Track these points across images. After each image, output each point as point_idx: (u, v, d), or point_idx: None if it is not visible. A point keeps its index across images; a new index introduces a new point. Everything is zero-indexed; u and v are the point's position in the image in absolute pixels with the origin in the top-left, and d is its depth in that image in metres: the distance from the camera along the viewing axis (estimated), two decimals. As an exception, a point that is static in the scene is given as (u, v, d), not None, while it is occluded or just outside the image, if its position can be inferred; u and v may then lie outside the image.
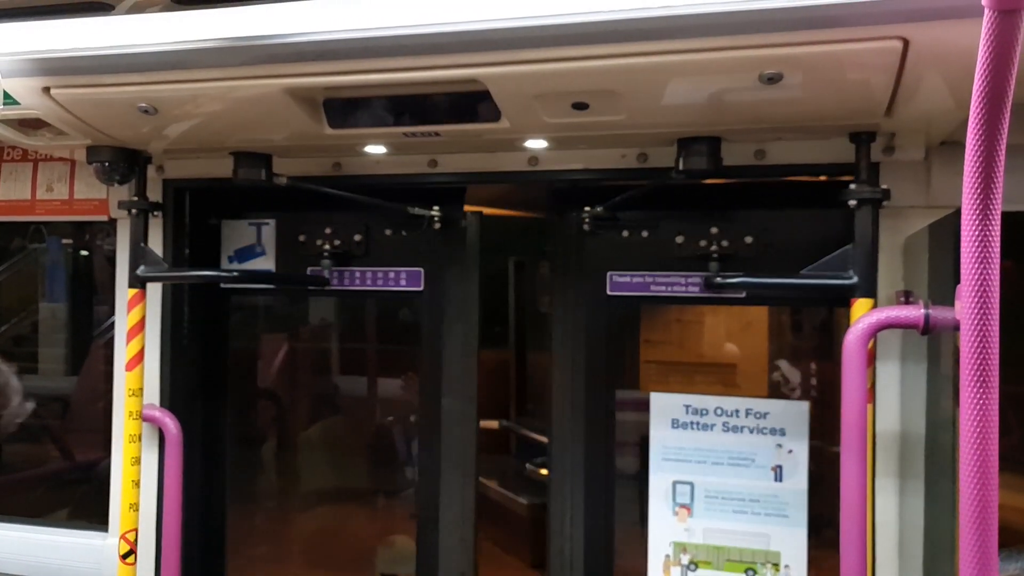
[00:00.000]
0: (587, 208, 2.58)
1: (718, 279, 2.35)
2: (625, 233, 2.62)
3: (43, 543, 2.99)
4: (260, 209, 2.95)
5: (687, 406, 2.58)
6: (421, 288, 2.84)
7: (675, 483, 2.56)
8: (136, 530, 2.59)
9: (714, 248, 2.47)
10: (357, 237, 2.82)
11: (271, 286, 3.08)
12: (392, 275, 2.85)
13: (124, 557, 2.56)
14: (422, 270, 2.83)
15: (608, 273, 2.64)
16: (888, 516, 2.22)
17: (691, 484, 2.54)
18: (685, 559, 2.53)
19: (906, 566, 2.19)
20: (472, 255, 2.81)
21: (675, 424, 2.58)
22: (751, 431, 2.51)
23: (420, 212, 2.71)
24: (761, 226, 2.46)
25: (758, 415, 2.51)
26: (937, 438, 1.97)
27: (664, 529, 2.56)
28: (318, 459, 3.68)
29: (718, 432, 2.54)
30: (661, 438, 2.58)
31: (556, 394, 2.69)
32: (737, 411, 2.54)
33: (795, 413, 2.50)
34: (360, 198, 2.60)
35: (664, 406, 2.60)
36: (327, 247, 2.82)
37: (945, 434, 1.86)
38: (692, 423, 2.57)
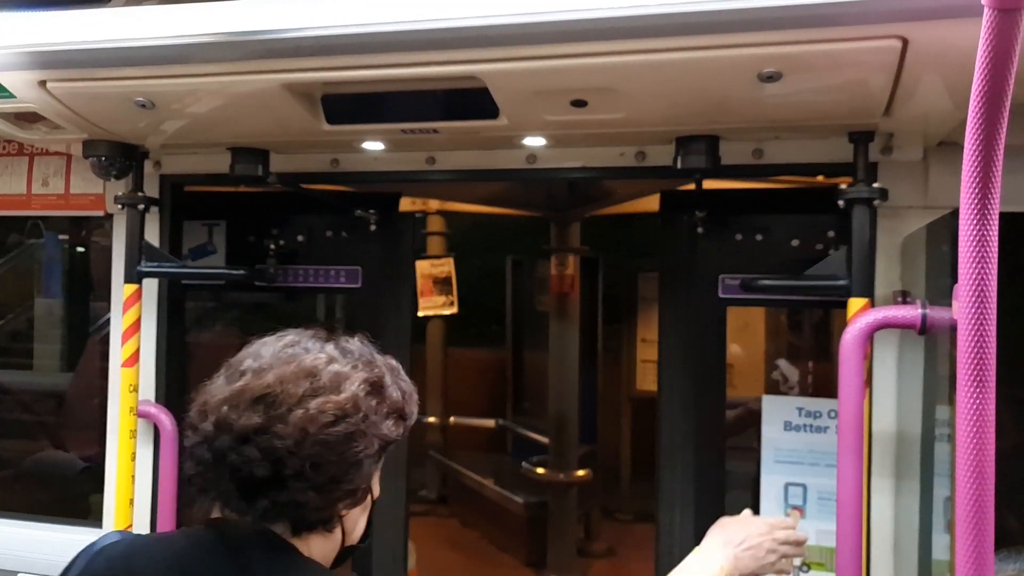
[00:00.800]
0: (700, 212, 2.55)
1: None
2: (739, 236, 2.57)
3: (36, 538, 2.98)
4: (211, 211, 3.05)
5: (800, 408, 2.54)
6: (359, 285, 2.95)
7: (787, 485, 2.52)
8: (130, 526, 2.58)
9: (831, 252, 2.39)
10: (300, 238, 2.97)
11: (219, 282, 3.20)
12: (333, 273, 2.98)
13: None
14: (360, 269, 2.94)
15: (720, 276, 2.59)
16: (883, 515, 2.22)
17: (804, 486, 2.51)
18: (797, 560, 2.47)
19: (901, 565, 2.19)
20: (406, 255, 2.98)
21: (788, 426, 2.53)
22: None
23: (360, 215, 2.85)
24: None
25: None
26: (933, 438, 1.97)
27: None
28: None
29: (831, 434, 2.44)
30: (773, 440, 2.54)
31: (665, 398, 2.63)
32: (819, 412, 2.50)
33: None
34: (319, 193, 2.68)
35: (776, 408, 2.56)
36: (272, 246, 2.94)
37: (941, 434, 1.86)
38: (805, 425, 2.52)
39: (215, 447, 1.22)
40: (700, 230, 2.58)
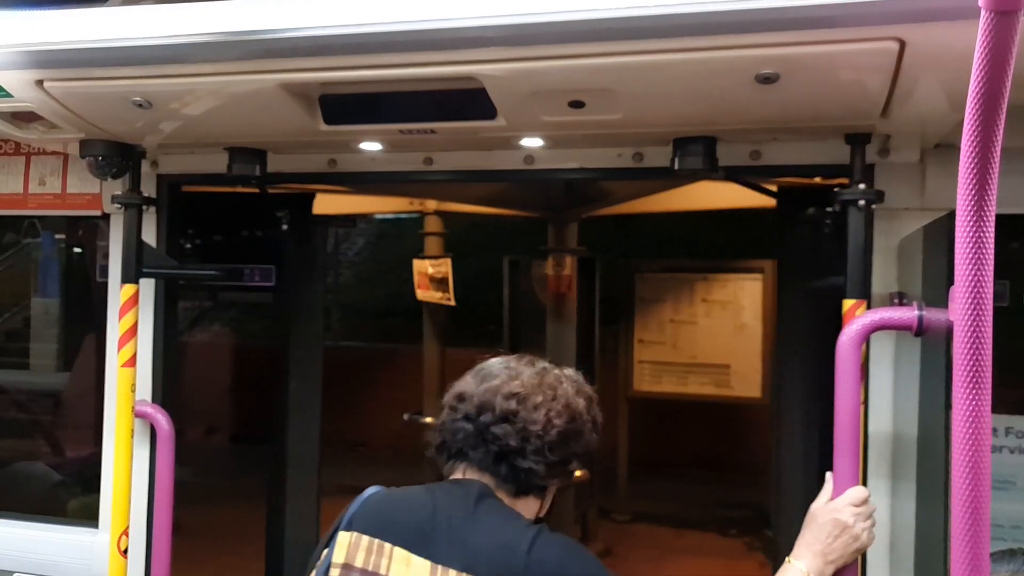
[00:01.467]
0: (828, 208, 2.42)
1: None
2: None
3: (34, 539, 2.98)
4: None
5: None
6: (273, 283, 3.07)
7: None
8: (127, 527, 2.58)
9: None
10: (217, 237, 3.09)
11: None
12: (247, 272, 3.10)
13: (114, 552, 2.55)
14: (273, 268, 3.05)
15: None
16: (880, 517, 2.22)
17: None
18: None
19: (897, 566, 2.19)
20: (319, 256, 3.10)
21: None
22: (1011, 451, 2.30)
23: (278, 216, 2.95)
24: None
25: (1020, 434, 2.30)
26: (929, 439, 1.98)
27: None
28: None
29: None
30: None
31: (783, 403, 2.56)
32: (995, 429, 2.31)
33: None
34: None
35: None
36: (188, 245, 3.01)
37: (937, 436, 1.86)
38: None
39: (479, 422, 1.61)
40: (827, 229, 2.43)
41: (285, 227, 3.00)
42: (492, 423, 1.61)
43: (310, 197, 3.06)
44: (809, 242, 2.55)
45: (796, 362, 2.58)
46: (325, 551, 1.58)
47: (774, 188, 2.56)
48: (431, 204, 6.65)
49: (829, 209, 2.38)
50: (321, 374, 3.14)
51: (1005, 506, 2.28)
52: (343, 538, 1.56)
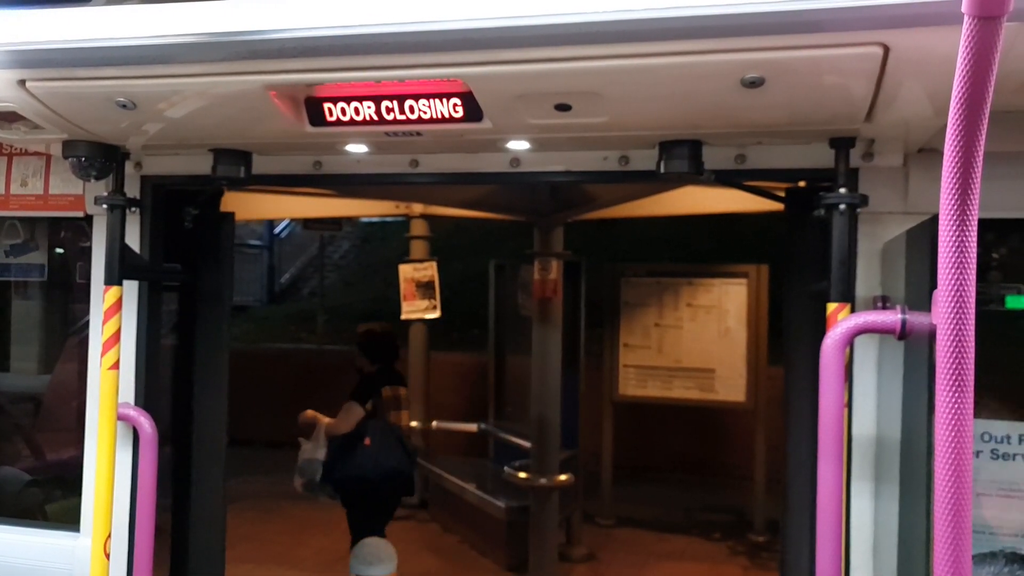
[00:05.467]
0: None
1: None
2: None
3: (14, 543, 2.95)
4: None
5: None
6: (178, 284, 3.03)
7: None
8: (110, 530, 2.55)
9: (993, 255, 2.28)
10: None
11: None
12: None
13: (96, 556, 2.53)
14: (179, 265, 2.98)
15: None
16: (863, 519, 2.23)
17: None
18: None
19: (880, 568, 2.20)
20: (226, 253, 3.04)
21: None
22: None
23: (190, 212, 2.90)
24: None
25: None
26: (912, 442, 1.99)
27: None
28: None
29: (985, 459, 2.20)
30: None
31: (792, 407, 2.50)
32: (1008, 437, 2.20)
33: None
34: None
35: None
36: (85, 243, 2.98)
37: (920, 438, 1.87)
38: None
39: None
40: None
41: (189, 223, 2.93)
42: None
43: (218, 193, 3.01)
44: (812, 244, 2.47)
45: (807, 368, 2.50)
46: None
47: (780, 192, 2.55)
48: (417, 208, 6.66)
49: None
50: (227, 375, 3.09)
51: (1017, 515, 2.22)
52: None
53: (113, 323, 2.55)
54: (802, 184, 2.45)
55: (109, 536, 2.54)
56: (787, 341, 2.56)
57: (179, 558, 2.98)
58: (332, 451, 4.69)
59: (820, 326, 2.41)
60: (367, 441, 4.62)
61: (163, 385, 2.99)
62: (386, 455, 4.66)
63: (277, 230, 14.44)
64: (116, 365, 2.55)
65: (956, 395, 1.12)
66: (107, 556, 2.54)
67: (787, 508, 2.52)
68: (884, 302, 2.15)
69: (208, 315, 2.99)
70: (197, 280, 2.98)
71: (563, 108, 1.93)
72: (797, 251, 2.53)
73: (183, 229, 2.89)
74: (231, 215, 3.04)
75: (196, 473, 2.96)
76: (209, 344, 3.02)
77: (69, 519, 2.95)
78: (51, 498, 3.41)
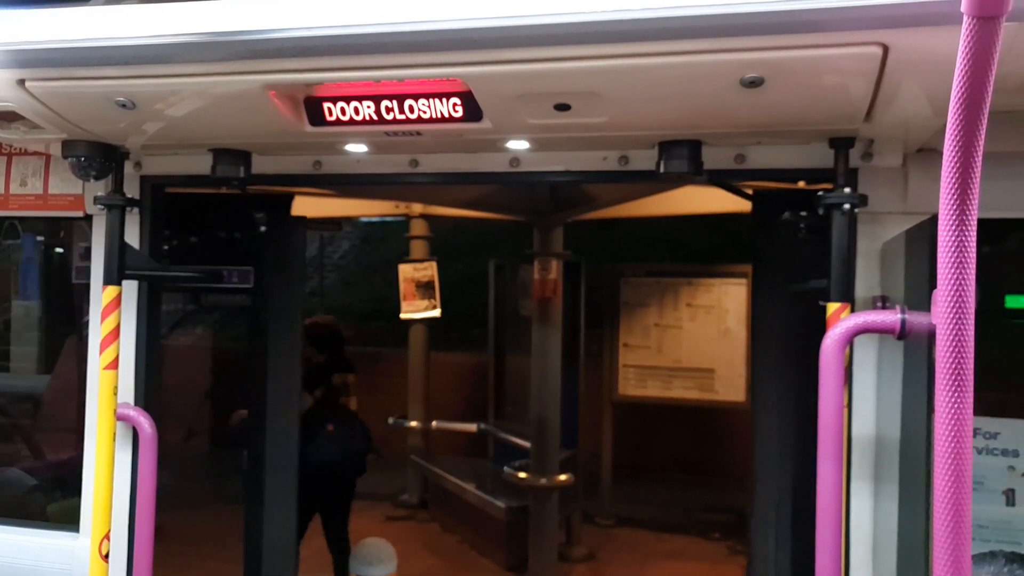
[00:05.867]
0: (802, 212, 2.49)
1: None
2: None
3: (14, 543, 2.95)
4: None
5: None
6: (251, 285, 3.03)
7: None
8: (109, 530, 2.55)
9: None
10: (193, 239, 3.05)
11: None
12: (225, 274, 3.07)
13: (94, 557, 2.53)
14: (251, 270, 3.01)
15: (812, 281, 2.53)
16: (863, 519, 2.23)
17: None
18: None
19: (880, 568, 2.20)
20: (296, 256, 3.05)
21: None
22: (979, 452, 2.29)
23: (256, 218, 2.95)
24: None
25: (987, 435, 2.29)
26: (912, 442, 1.99)
27: None
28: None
29: None
30: None
31: (759, 406, 2.58)
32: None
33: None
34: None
35: None
36: (166, 247, 2.96)
37: (920, 438, 1.87)
38: None
39: None
40: (801, 234, 2.50)
41: (264, 228, 2.99)
42: None
43: (289, 198, 3.03)
44: (783, 250, 2.57)
45: (774, 367, 2.60)
46: None
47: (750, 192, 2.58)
48: (417, 208, 6.65)
49: (804, 213, 2.45)
50: (299, 378, 3.12)
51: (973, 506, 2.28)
52: None
53: (110, 322, 2.54)
54: (802, 184, 2.45)
55: (105, 537, 2.54)
56: (755, 341, 2.60)
57: (253, 559, 3.00)
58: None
59: (791, 326, 2.52)
60: (330, 427, 4.69)
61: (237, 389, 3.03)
62: (348, 439, 4.80)
63: (276, 230, 14.41)
64: (114, 365, 2.55)
65: (955, 395, 1.12)
66: (103, 557, 2.53)
67: (756, 504, 2.57)
68: (883, 302, 2.15)
69: (280, 319, 2.99)
70: (268, 285, 3.00)
71: (563, 108, 1.93)
72: (766, 252, 2.58)
73: (254, 233, 2.95)
74: (302, 219, 3.05)
75: (270, 476, 2.98)
76: (281, 348, 3.03)
77: (69, 519, 2.95)
78: (55, 501, 3.42)
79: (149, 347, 2.80)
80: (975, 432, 2.23)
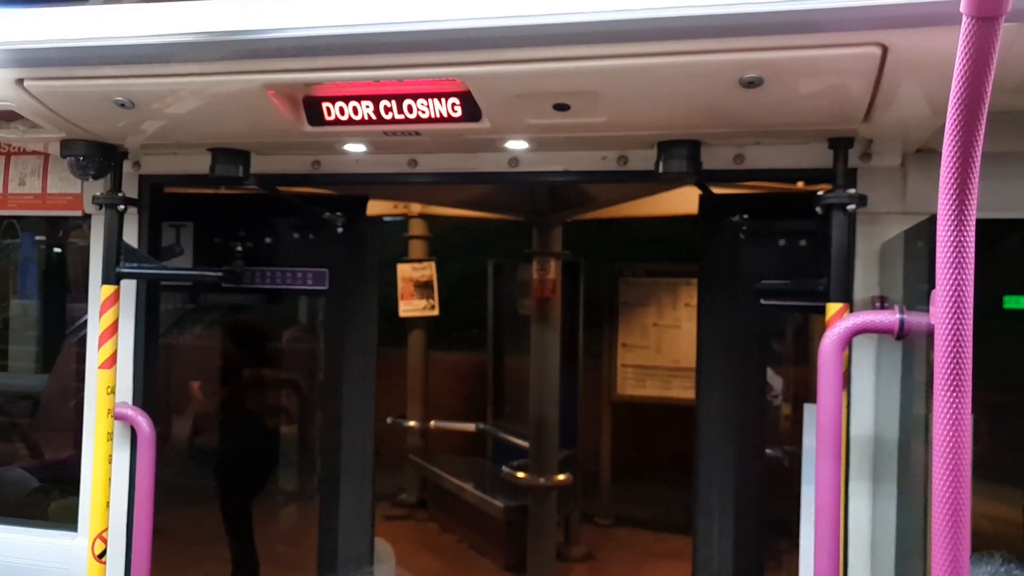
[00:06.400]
0: (746, 215, 2.53)
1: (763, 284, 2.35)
2: (782, 242, 2.56)
3: (11, 542, 2.95)
4: (179, 212, 3.04)
5: None
6: (326, 287, 2.97)
7: None
8: (106, 529, 2.55)
9: None
10: (268, 240, 2.99)
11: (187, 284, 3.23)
12: (300, 275, 3.00)
13: (98, 557, 2.53)
14: (327, 271, 2.95)
15: (763, 282, 2.53)
16: (861, 518, 2.24)
17: None
18: None
19: (878, 568, 2.20)
20: (371, 258, 2.98)
21: None
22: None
23: (328, 218, 2.86)
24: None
25: None
26: (911, 442, 1.99)
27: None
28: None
29: None
30: (813, 448, 2.49)
31: (702, 404, 2.63)
32: None
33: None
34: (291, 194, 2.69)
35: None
36: (240, 248, 2.95)
37: (918, 438, 1.87)
38: None
39: None
40: (743, 236, 2.54)
41: (340, 229, 2.91)
42: None
43: (364, 199, 2.98)
44: (728, 253, 2.61)
45: (718, 367, 2.67)
46: None
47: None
48: (415, 207, 6.65)
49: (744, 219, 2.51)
50: (374, 379, 3.03)
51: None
52: None
53: (107, 321, 2.54)
54: (801, 184, 2.45)
55: (99, 537, 2.54)
56: (700, 340, 2.65)
57: (328, 557, 2.97)
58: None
59: (735, 328, 2.57)
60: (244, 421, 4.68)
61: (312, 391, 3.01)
62: (246, 447, 4.68)
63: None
64: (111, 364, 2.55)
65: (954, 394, 1.12)
66: (96, 557, 2.53)
67: (698, 509, 2.64)
68: (882, 302, 2.16)
69: (356, 320, 2.95)
70: (343, 287, 2.96)
71: (562, 108, 1.93)
72: (711, 254, 2.63)
73: (330, 234, 2.90)
74: (378, 219, 3.08)
75: (345, 474, 2.94)
76: (357, 349, 2.98)
77: (69, 518, 2.95)
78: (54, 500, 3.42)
79: (148, 346, 2.80)
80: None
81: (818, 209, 2.10)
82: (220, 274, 2.86)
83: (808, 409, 2.46)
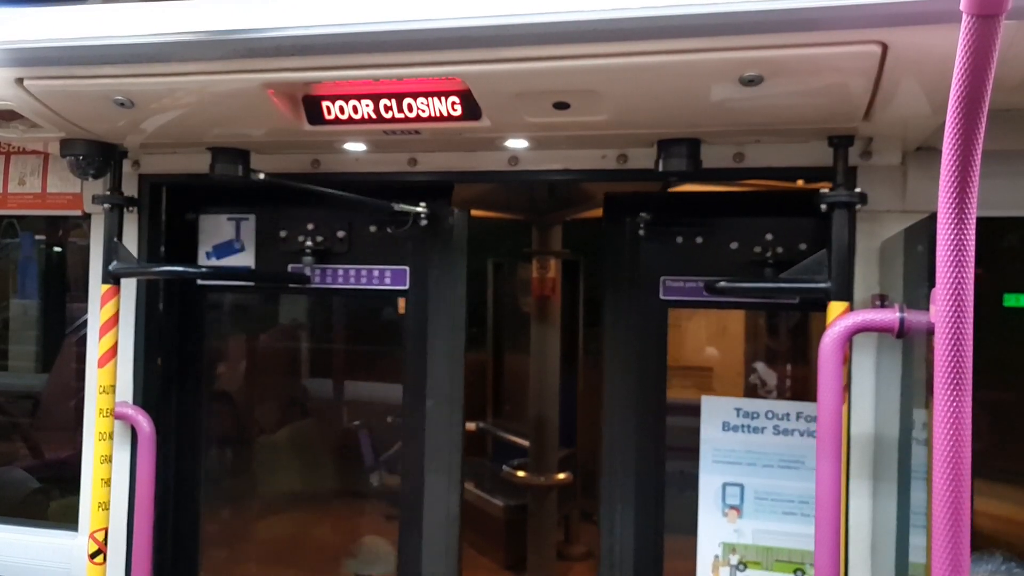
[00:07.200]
0: (643, 213, 2.56)
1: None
2: (679, 239, 2.60)
3: (11, 542, 2.95)
4: (238, 204, 2.90)
5: (738, 409, 2.59)
6: (406, 287, 2.76)
7: (725, 485, 2.58)
8: (106, 529, 2.55)
9: (768, 254, 2.47)
10: (340, 234, 2.76)
11: (249, 283, 2.99)
12: (376, 273, 2.78)
13: (92, 557, 2.53)
14: (408, 269, 2.75)
15: (662, 278, 2.63)
16: (862, 517, 2.24)
17: (741, 486, 2.56)
18: (734, 559, 2.56)
19: (878, 566, 2.20)
20: (459, 253, 2.71)
21: (726, 427, 2.59)
22: (801, 434, 2.51)
23: (406, 209, 2.62)
24: (815, 232, 2.44)
25: (808, 418, 2.51)
26: (911, 441, 1.99)
27: (714, 530, 2.59)
28: (290, 461, 3.67)
29: (768, 435, 2.54)
30: (711, 440, 2.60)
31: (608, 399, 2.67)
32: (788, 414, 2.54)
33: (843, 415, 2.51)
34: (344, 194, 2.56)
35: (715, 409, 2.62)
36: (309, 244, 2.76)
37: (918, 437, 1.87)
38: (743, 426, 2.58)
39: None
40: (642, 232, 2.58)
41: (424, 221, 2.63)
42: None
43: (449, 187, 2.68)
44: (629, 249, 2.63)
45: (621, 362, 2.71)
46: None
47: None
48: (415, 206, 6.64)
49: (640, 220, 2.54)
50: (462, 392, 2.78)
51: (795, 483, 2.52)
52: None
53: (109, 321, 2.55)
54: (801, 182, 2.45)
55: (93, 536, 2.54)
56: (606, 338, 2.67)
57: (409, 561, 2.88)
58: None
59: (635, 327, 2.62)
60: None
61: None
62: None
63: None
64: (110, 363, 2.55)
65: (954, 393, 1.12)
66: (96, 557, 2.53)
67: (603, 500, 2.66)
68: (882, 300, 2.16)
69: (441, 324, 2.72)
70: (427, 285, 2.74)
71: (561, 106, 1.93)
72: (614, 255, 2.65)
73: (416, 227, 2.65)
74: (465, 212, 2.73)
75: (429, 480, 2.76)
76: (443, 349, 2.73)
77: (69, 518, 2.95)
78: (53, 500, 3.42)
79: (148, 346, 2.80)
80: (797, 415, 2.49)
81: (823, 207, 2.10)
82: (206, 270, 2.78)
83: (707, 402, 2.61)
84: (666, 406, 2.67)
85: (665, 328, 2.67)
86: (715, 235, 2.57)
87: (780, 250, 2.47)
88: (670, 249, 2.61)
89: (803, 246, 2.47)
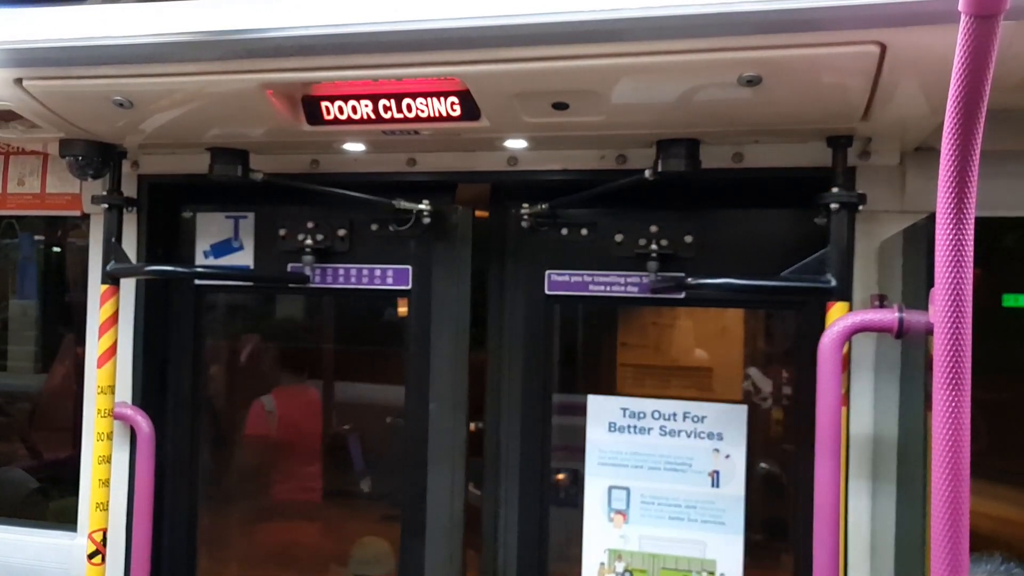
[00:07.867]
0: (526, 205, 2.53)
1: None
2: (564, 231, 2.56)
3: (10, 542, 2.94)
4: (237, 202, 2.85)
5: (624, 409, 2.53)
6: (409, 287, 2.71)
7: (611, 488, 2.50)
8: (104, 530, 2.55)
9: (653, 247, 2.45)
10: (341, 232, 2.71)
11: (247, 283, 2.95)
12: (378, 273, 2.72)
13: (91, 557, 2.53)
14: (410, 268, 2.70)
15: (547, 272, 2.59)
16: (860, 518, 2.24)
17: (627, 489, 2.49)
18: (620, 566, 2.48)
19: (877, 567, 2.20)
20: (463, 252, 2.67)
21: (612, 428, 2.52)
22: (688, 435, 2.46)
23: (408, 206, 2.58)
24: (701, 225, 2.44)
25: (696, 419, 2.47)
26: (910, 441, 1.99)
27: (599, 535, 2.50)
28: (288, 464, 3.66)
29: (655, 436, 2.48)
30: (597, 442, 2.52)
31: (490, 396, 2.64)
32: (675, 414, 2.50)
33: (733, 417, 2.46)
34: (345, 192, 2.55)
35: (601, 409, 2.54)
36: (309, 242, 2.71)
37: (917, 437, 1.87)
38: (629, 427, 2.51)
39: None
40: (525, 224, 2.55)
41: (427, 220, 2.59)
42: None
43: (453, 186, 2.64)
44: (513, 241, 2.61)
45: (507, 357, 2.71)
46: None
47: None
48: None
49: (524, 211, 2.52)
50: (466, 393, 2.74)
51: (682, 487, 2.47)
52: None
53: (109, 322, 2.54)
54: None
55: (91, 537, 2.54)
56: (490, 333, 2.66)
57: (411, 564, 2.84)
58: None
59: (535, 325, 2.61)
60: None
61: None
62: None
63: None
64: (110, 363, 2.55)
65: (953, 393, 1.12)
66: (89, 557, 2.53)
67: (485, 500, 2.65)
68: (881, 301, 2.16)
69: (444, 325, 2.68)
70: (430, 284, 2.70)
71: (560, 107, 1.93)
72: (499, 248, 2.65)
73: (419, 226, 2.60)
74: (469, 210, 2.69)
75: (432, 483, 2.70)
76: (446, 349, 2.69)
77: (68, 518, 2.95)
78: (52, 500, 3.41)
79: (147, 346, 2.80)
80: (684, 416, 2.47)
81: (820, 207, 2.10)
82: (205, 270, 2.77)
83: (592, 401, 2.57)
84: (551, 406, 2.61)
85: (552, 323, 2.62)
86: (599, 228, 2.53)
87: (664, 243, 2.44)
88: (555, 241, 2.56)
89: (688, 238, 2.43)
